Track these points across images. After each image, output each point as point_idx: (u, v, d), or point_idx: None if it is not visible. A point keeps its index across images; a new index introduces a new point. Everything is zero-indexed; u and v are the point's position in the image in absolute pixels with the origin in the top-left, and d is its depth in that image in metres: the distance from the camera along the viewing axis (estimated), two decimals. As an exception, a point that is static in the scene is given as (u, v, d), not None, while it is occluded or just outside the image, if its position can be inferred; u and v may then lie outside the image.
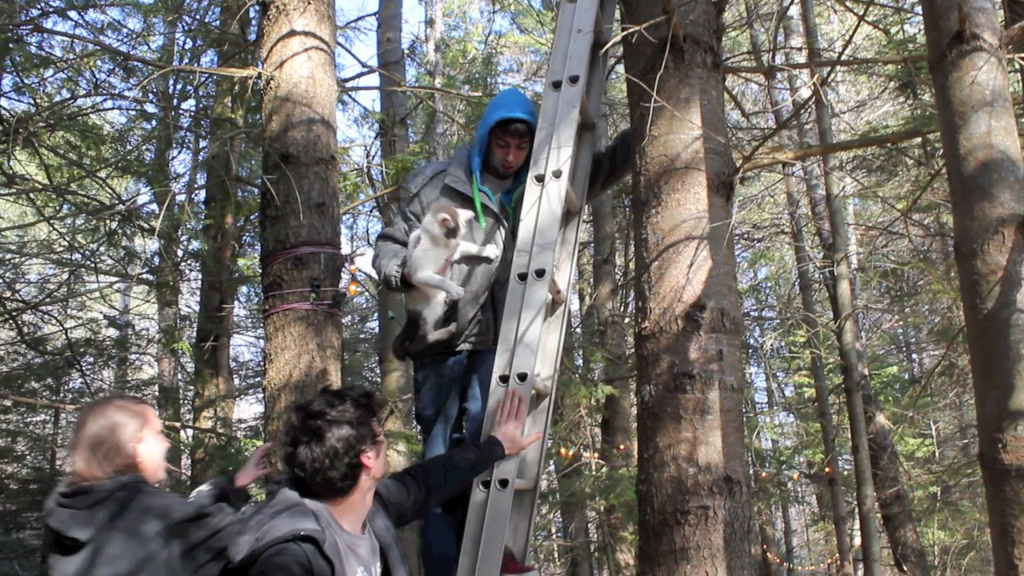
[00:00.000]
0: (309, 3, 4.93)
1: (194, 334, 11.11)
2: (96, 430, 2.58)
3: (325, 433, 2.41)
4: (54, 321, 10.25)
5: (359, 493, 2.50)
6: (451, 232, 3.62)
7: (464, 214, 3.75)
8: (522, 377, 3.48)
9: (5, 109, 7.62)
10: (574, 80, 3.86)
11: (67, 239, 9.35)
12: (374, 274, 3.91)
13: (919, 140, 7.71)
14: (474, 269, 3.92)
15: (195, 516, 2.61)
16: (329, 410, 2.45)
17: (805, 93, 10.57)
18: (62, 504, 2.53)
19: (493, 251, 3.90)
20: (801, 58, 10.47)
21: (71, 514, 2.50)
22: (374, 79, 9.88)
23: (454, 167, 3.98)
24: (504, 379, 3.51)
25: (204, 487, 3.15)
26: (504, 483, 3.36)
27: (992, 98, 3.07)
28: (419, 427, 4.08)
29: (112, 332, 11.96)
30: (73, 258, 9.75)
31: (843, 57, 5.59)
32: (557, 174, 3.71)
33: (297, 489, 2.44)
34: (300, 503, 2.39)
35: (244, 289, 13.69)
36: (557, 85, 3.88)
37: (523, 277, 3.61)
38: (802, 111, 9.99)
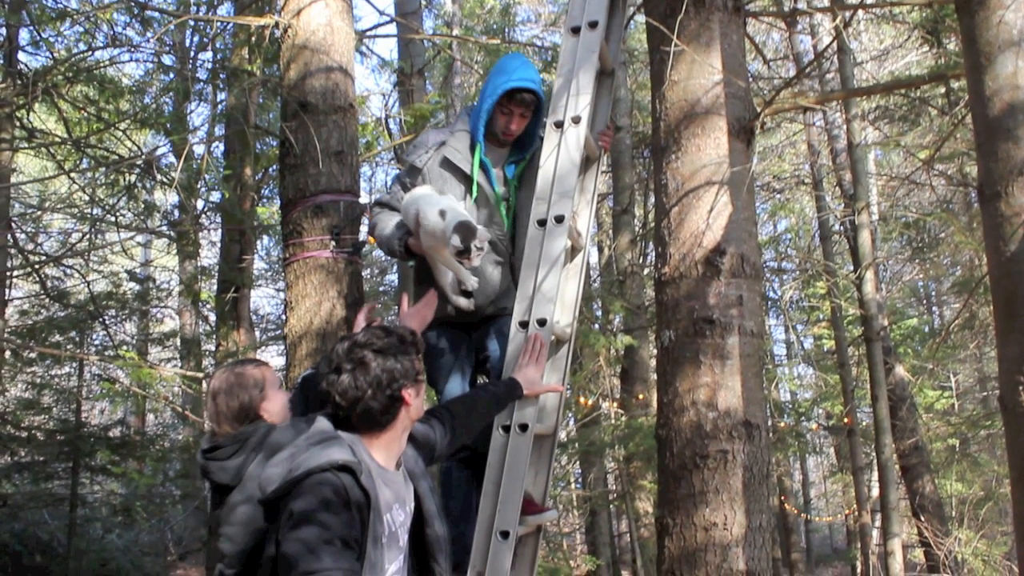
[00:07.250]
0: (326, -50, 4.88)
1: (214, 285, 11.19)
2: (223, 398, 2.79)
3: (370, 363, 2.40)
4: (76, 274, 10.35)
5: (396, 429, 2.49)
6: (460, 253, 3.40)
7: (483, 236, 3.47)
8: (541, 322, 3.48)
9: (23, 63, 7.64)
10: (593, 25, 3.81)
11: (87, 193, 9.40)
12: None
13: (942, 89, 7.59)
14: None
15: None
16: (376, 341, 2.44)
17: (827, 40, 10.45)
18: (206, 458, 2.77)
19: (493, 232, 3.74)
20: (823, 3, 10.30)
21: (214, 464, 2.73)
22: (391, 29, 9.83)
23: (456, 139, 3.81)
24: (524, 324, 3.51)
25: (308, 370, 3.32)
26: (524, 427, 3.38)
27: (1019, 38, 3.00)
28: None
29: (133, 286, 12.05)
30: (94, 212, 9.80)
31: (867, 1, 5.50)
32: (576, 120, 3.68)
33: (333, 422, 2.46)
34: (335, 434, 2.40)
35: (263, 241, 13.76)
36: (576, 31, 3.84)
37: (542, 223, 3.60)
38: (824, 58, 9.85)
